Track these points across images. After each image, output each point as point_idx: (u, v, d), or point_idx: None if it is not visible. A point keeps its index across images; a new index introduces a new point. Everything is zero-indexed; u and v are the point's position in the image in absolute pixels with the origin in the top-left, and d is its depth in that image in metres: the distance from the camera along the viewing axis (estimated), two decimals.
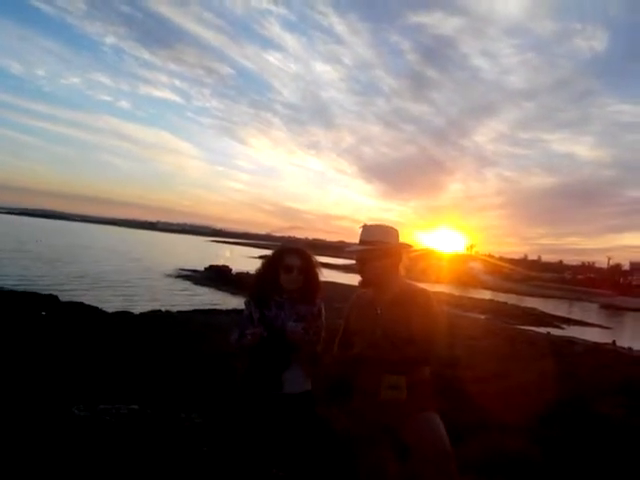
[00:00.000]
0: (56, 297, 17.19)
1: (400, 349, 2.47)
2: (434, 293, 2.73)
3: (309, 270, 2.81)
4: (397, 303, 2.55)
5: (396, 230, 2.67)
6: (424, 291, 2.63)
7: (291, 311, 2.74)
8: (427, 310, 2.52)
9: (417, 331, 2.47)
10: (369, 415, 2.56)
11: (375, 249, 2.59)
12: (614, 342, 22.72)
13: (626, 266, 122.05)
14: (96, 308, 15.67)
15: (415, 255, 2.93)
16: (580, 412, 5.72)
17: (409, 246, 2.69)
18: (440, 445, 2.40)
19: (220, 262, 42.39)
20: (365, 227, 2.67)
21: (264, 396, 2.64)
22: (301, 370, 2.69)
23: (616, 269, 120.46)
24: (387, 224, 2.69)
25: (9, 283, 21.72)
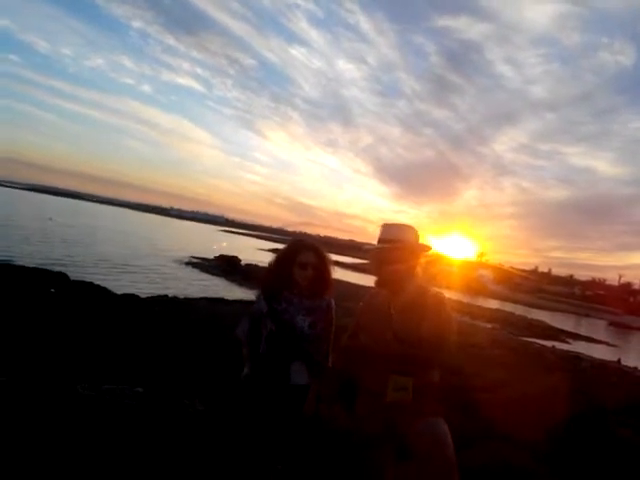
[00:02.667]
0: (66, 275, 17.26)
1: (408, 348, 2.43)
2: (448, 298, 2.69)
3: (322, 267, 2.80)
4: (411, 305, 2.51)
5: (416, 230, 2.61)
6: (438, 295, 2.58)
7: (300, 306, 2.75)
8: (439, 314, 2.48)
9: (427, 333, 2.43)
10: (373, 416, 2.52)
11: (395, 248, 2.53)
12: (619, 360, 22.48)
13: (637, 285, 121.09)
14: (104, 289, 15.69)
15: (429, 259, 2.88)
16: (586, 430, 5.65)
17: (428, 248, 2.63)
18: (444, 452, 2.36)
19: (226, 251, 42.35)
20: (385, 226, 2.62)
21: (271, 387, 2.63)
22: (308, 362, 2.69)
23: (626, 287, 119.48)
24: (407, 224, 2.63)
25: (20, 259, 21.87)
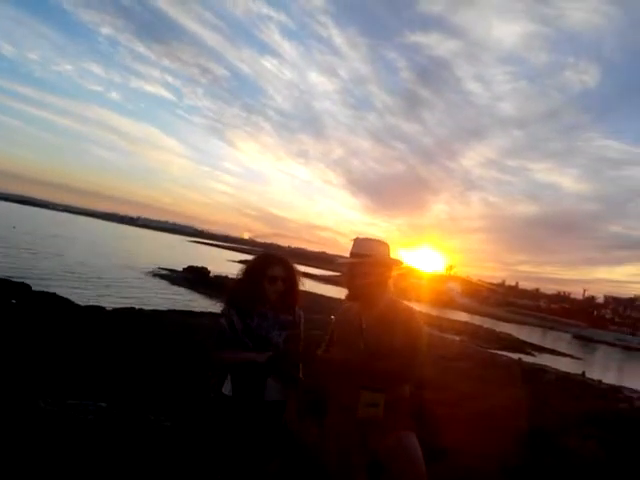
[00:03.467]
0: (28, 286, 16.87)
1: (380, 362, 2.42)
2: (418, 312, 2.70)
3: (291, 280, 2.77)
4: (382, 319, 2.51)
5: (387, 245, 2.62)
6: (409, 309, 2.59)
7: (275, 320, 2.71)
8: (409, 328, 2.49)
9: (399, 347, 2.43)
10: (344, 431, 2.51)
11: (366, 263, 2.54)
12: (584, 373, 22.94)
13: (600, 299, 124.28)
14: (68, 300, 15.37)
15: (400, 272, 2.88)
16: (549, 442, 5.73)
17: (400, 262, 2.65)
18: (416, 467, 2.36)
19: (195, 262, 41.92)
20: (357, 240, 2.62)
21: (246, 403, 2.58)
22: (283, 378, 2.65)
23: (590, 301, 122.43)
24: (379, 238, 2.64)
25: None
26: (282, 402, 2.65)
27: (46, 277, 24.40)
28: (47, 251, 38.68)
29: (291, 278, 2.77)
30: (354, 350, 2.49)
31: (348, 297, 2.65)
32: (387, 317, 2.51)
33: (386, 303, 2.57)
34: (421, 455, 2.40)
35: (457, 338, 30.65)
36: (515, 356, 25.50)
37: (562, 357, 37.40)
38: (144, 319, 13.50)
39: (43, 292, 16.26)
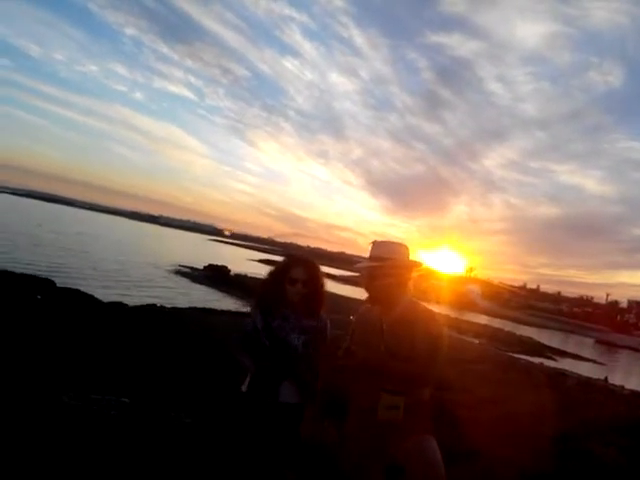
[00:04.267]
0: (53, 282, 17.13)
1: (401, 364, 2.42)
2: (438, 314, 2.70)
3: (314, 282, 2.77)
4: (403, 321, 2.50)
5: (407, 247, 2.61)
6: (429, 310, 2.59)
7: (296, 324, 2.72)
8: (430, 330, 2.48)
9: (419, 349, 2.43)
10: (363, 433, 2.51)
11: (385, 266, 2.54)
12: (606, 378, 22.57)
13: (624, 303, 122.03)
14: (91, 296, 15.58)
15: (420, 274, 2.87)
16: (571, 448, 5.65)
17: (419, 264, 2.64)
18: (435, 471, 2.35)
19: (218, 262, 42.14)
20: (376, 243, 2.62)
21: (260, 404, 2.60)
22: (298, 381, 2.66)
23: (614, 306, 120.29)
24: (398, 241, 2.63)
25: (7, 265, 21.66)
26: (296, 405, 2.66)
27: (70, 274, 24.79)
28: (71, 248, 39.26)
29: (314, 281, 2.77)
30: (374, 352, 2.49)
31: (368, 300, 2.65)
32: (407, 319, 2.50)
33: (406, 305, 2.56)
34: (441, 459, 2.39)
35: (477, 341, 30.41)
36: (536, 360, 25.25)
37: (584, 362, 36.79)
38: (165, 316, 13.63)
39: (67, 288, 16.49)
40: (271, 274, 2.82)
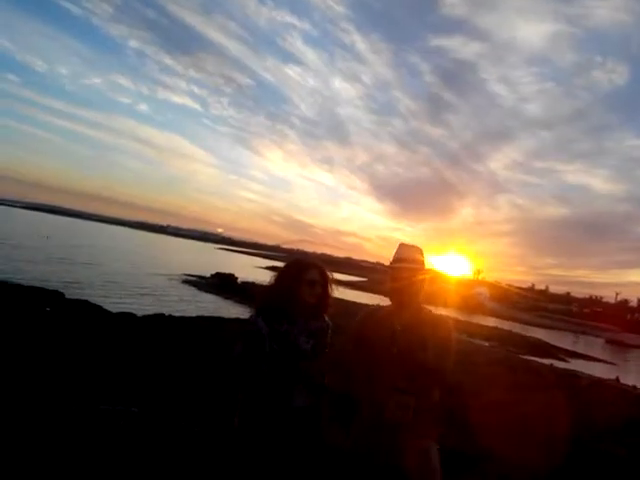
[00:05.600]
0: (61, 294, 17.20)
1: (412, 364, 2.43)
2: (452, 319, 2.73)
3: (327, 285, 2.76)
4: (416, 324, 2.53)
5: (423, 251, 2.72)
6: (445, 319, 2.65)
7: (304, 327, 2.69)
8: (442, 332, 2.53)
9: (431, 351, 2.45)
10: (371, 434, 2.51)
11: (411, 268, 2.60)
12: (618, 379, 22.35)
13: (633, 302, 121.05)
14: (100, 307, 15.64)
15: (429, 277, 2.90)
16: (584, 449, 5.60)
17: (431, 268, 2.70)
18: (432, 478, 2.37)
19: (222, 269, 42.18)
20: (405, 246, 2.70)
21: (273, 409, 2.58)
22: (310, 384, 2.65)
23: (624, 305, 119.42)
24: (417, 245, 2.72)
25: (16, 277, 21.78)
26: (309, 408, 2.66)
27: (79, 285, 24.88)
28: (79, 260, 39.44)
29: (326, 284, 2.78)
30: (386, 353, 2.51)
31: (394, 301, 2.66)
32: (420, 323, 2.54)
33: (418, 307, 2.62)
34: (439, 467, 2.44)
35: (486, 343, 30.24)
36: (546, 361, 25.04)
37: (595, 362, 36.48)
38: (173, 325, 13.66)
39: (76, 300, 16.56)
40: (280, 277, 2.76)
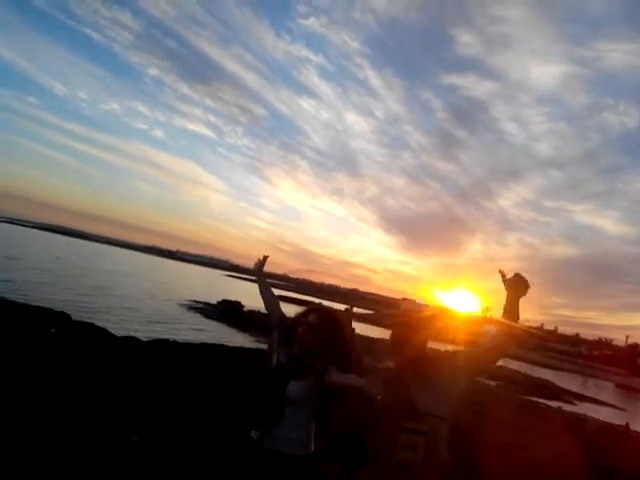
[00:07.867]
0: (68, 315, 17.19)
1: (420, 405, 2.35)
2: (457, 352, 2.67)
3: (327, 332, 2.76)
4: (423, 362, 2.50)
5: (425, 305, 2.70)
6: (452, 358, 2.58)
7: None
8: (453, 380, 2.45)
9: (439, 392, 2.40)
10: (378, 476, 2.41)
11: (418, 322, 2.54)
12: (627, 425, 21.83)
13: None
14: (105, 330, 15.60)
15: (435, 313, 2.85)
16: None
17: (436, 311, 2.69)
18: None
19: (233, 297, 42.07)
20: (406, 301, 2.67)
21: (268, 400, 2.60)
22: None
23: (634, 349, 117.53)
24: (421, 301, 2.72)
25: (24, 297, 21.84)
26: (303, 401, 2.65)
27: (86, 307, 24.87)
28: (88, 282, 39.54)
29: (326, 329, 2.79)
30: (399, 407, 2.40)
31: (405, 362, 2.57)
32: (428, 361, 2.51)
33: (423, 348, 2.55)
34: None
35: (493, 383, 29.74)
36: (554, 404, 24.59)
37: (604, 407, 35.75)
38: (177, 351, 13.58)
39: (81, 322, 16.54)
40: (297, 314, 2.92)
